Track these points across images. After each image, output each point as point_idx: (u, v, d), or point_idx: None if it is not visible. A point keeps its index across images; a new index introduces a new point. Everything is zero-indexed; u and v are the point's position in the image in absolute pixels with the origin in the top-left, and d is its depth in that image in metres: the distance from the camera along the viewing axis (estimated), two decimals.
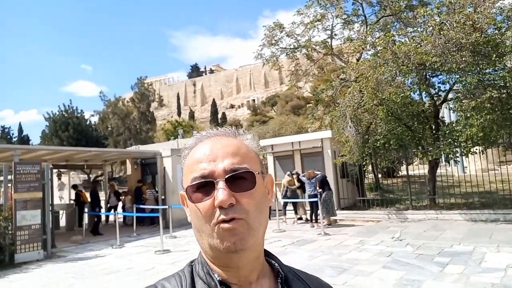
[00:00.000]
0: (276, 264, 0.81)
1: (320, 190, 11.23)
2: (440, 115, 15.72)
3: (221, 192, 0.68)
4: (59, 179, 26.70)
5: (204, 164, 0.72)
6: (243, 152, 0.75)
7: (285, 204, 12.60)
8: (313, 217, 11.60)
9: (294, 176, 12.37)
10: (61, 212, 14.41)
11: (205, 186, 0.71)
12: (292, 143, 14.69)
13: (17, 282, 7.06)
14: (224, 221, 0.68)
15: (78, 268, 7.93)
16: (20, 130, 68.76)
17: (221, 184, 0.69)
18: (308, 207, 12.17)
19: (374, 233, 9.76)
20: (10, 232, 8.58)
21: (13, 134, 63.88)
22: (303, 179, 11.80)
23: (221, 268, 0.74)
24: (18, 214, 8.62)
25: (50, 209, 9.82)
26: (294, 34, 15.40)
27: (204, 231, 0.71)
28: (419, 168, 15.18)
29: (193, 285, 0.73)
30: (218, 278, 0.72)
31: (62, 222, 14.47)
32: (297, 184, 12.35)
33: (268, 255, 0.82)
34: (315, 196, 11.10)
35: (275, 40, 15.43)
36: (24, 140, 63.81)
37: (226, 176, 0.70)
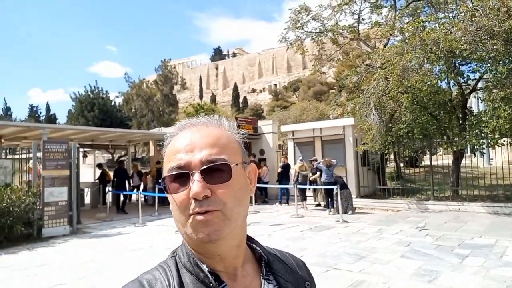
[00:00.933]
0: (258, 248, 0.83)
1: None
2: (468, 105, 15.27)
3: (195, 184, 0.68)
4: (85, 157, 27.53)
5: (182, 155, 0.72)
6: (222, 142, 0.74)
7: (303, 190, 12.65)
8: (329, 204, 11.67)
9: (315, 163, 12.34)
10: (86, 189, 14.89)
11: (181, 177, 0.71)
12: (313, 129, 14.59)
13: (44, 255, 7.40)
14: (198, 213, 0.69)
15: (102, 244, 8.24)
16: (48, 109, 70.93)
17: (196, 176, 0.69)
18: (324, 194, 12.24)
19: (393, 222, 9.69)
20: (38, 207, 8.96)
21: (41, 113, 66.06)
22: (321, 166, 11.79)
23: (205, 257, 0.74)
24: (46, 191, 8.97)
25: (76, 186, 10.16)
26: (321, 18, 15.10)
27: (180, 221, 0.71)
28: (442, 158, 14.87)
29: (180, 278, 0.72)
30: (207, 269, 0.72)
31: (87, 199, 14.99)
32: (308, 170, 12.45)
33: (249, 239, 0.83)
34: (331, 183, 11.15)
35: (301, 24, 15.17)
36: (51, 119, 65.85)
37: (202, 168, 0.70)
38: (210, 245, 0.71)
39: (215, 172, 0.71)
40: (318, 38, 15.39)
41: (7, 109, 62.37)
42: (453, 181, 12.54)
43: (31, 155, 10.31)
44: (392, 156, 18.07)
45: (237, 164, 0.74)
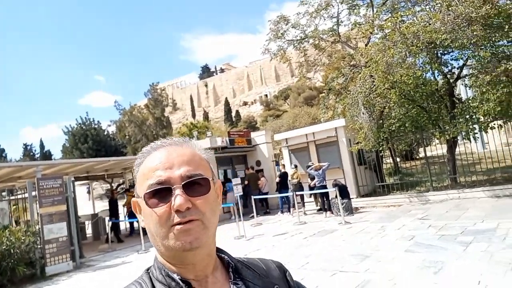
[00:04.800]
0: (226, 257, 0.88)
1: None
2: (457, 92, 15.41)
3: (178, 198, 0.74)
4: (88, 193, 27.39)
5: (160, 172, 0.77)
6: (196, 160, 0.82)
7: (301, 196, 12.78)
8: (325, 207, 11.77)
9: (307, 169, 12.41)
10: (86, 222, 14.78)
11: (161, 192, 0.76)
12: (306, 134, 14.64)
13: None
14: (180, 223, 0.74)
15: (107, 276, 8.15)
16: (42, 146, 70.47)
17: (178, 191, 0.75)
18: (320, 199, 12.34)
19: (395, 218, 9.67)
20: (39, 246, 8.87)
21: (35, 150, 65.66)
22: (311, 172, 11.86)
23: (177, 267, 0.79)
24: (45, 228, 8.90)
25: (75, 220, 10.08)
26: (300, 25, 15.28)
27: (159, 234, 0.76)
28: (437, 149, 14.91)
29: None
30: (178, 277, 0.77)
31: (89, 232, 14.87)
32: (300, 177, 12.59)
33: (218, 250, 0.88)
34: (322, 187, 11.25)
35: (281, 33, 15.35)
36: (46, 155, 65.43)
37: (183, 183, 0.76)
38: (189, 253, 0.75)
39: (195, 186, 0.77)
40: (300, 45, 15.55)
41: (1, 151, 61.92)
42: (450, 170, 12.57)
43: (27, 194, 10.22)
44: (388, 152, 18.13)
45: (212, 179, 0.81)
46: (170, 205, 0.74)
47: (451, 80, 12.57)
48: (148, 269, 0.84)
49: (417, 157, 21.43)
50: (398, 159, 20.02)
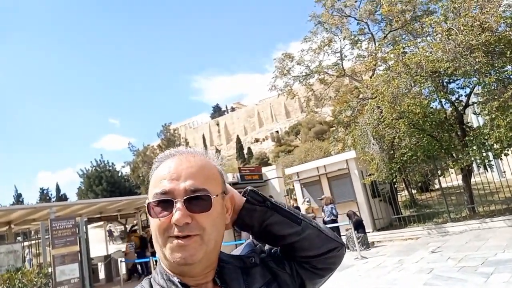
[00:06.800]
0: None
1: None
2: (468, 120, 15.28)
3: (178, 213, 0.74)
4: (111, 236, 27.47)
5: (166, 182, 0.78)
6: (206, 173, 0.81)
7: None
8: None
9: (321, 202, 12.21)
10: (99, 264, 14.63)
11: (164, 202, 0.77)
12: (317, 168, 14.55)
13: None
14: (178, 237, 0.74)
15: None
16: (58, 189, 71.25)
17: (179, 205, 0.75)
18: None
19: (413, 251, 9.35)
20: None
21: (51, 194, 66.44)
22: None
23: (178, 275, 0.80)
24: (57, 270, 8.85)
25: (88, 261, 10.02)
26: (304, 61, 15.66)
27: (159, 242, 0.77)
28: (455, 179, 14.59)
29: None
30: (178, 280, 0.78)
31: (102, 274, 14.67)
32: (316, 213, 12.32)
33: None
34: (332, 221, 11.03)
35: (287, 70, 15.73)
36: (62, 198, 65.91)
37: (185, 198, 0.76)
38: (185, 267, 0.76)
39: (198, 200, 0.76)
40: (305, 81, 15.86)
41: (18, 196, 62.81)
42: (467, 199, 12.24)
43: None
44: (402, 184, 17.80)
45: (217, 195, 0.80)
46: (171, 217, 0.75)
47: (459, 108, 12.52)
48: (150, 275, 0.86)
49: (433, 188, 20.95)
50: (413, 191, 19.61)
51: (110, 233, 26.75)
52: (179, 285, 0.78)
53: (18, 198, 62.31)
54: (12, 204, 55.50)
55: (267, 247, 0.98)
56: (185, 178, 0.78)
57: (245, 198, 0.90)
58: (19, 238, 16.11)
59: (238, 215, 0.90)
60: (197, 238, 0.75)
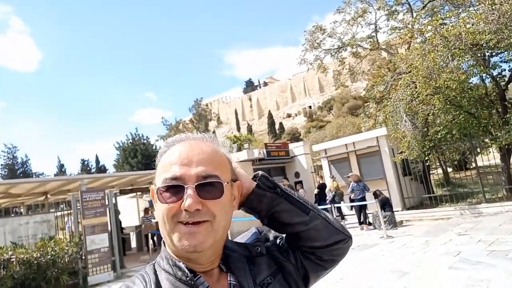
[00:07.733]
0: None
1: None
2: (510, 96, 14.29)
3: (189, 198, 0.72)
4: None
5: (177, 168, 0.76)
6: (216, 160, 0.79)
7: (339, 208, 12.35)
8: (360, 220, 11.37)
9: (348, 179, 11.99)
10: (131, 233, 15.26)
11: (174, 187, 0.75)
12: (346, 145, 14.21)
13: None
14: (187, 223, 0.73)
15: None
16: (97, 161, 74.62)
17: (190, 191, 0.73)
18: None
19: (442, 232, 9.03)
20: (81, 256, 9.25)
21: (92, 165, 69.72)
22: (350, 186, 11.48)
23: (184, 261, 0.78)
24: (87, 239, 9.27)
25: (117, 232, 10.42)
26: (336, 34, 15.05)
27: (167, 228, 0.76)
28: (494, 158, 13.82)
29: (157, 279, 0.77)
30: (184, 265, 0.77)
31: (133, 243, 15.33)
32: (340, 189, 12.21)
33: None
34: (361, 199, 10.87)
35: (317, 43, 15.19)
36: (101, 169, 69.07)
37: (196, 184, 0.74)
38: (192, 254, 0.75)
39: (208, 187, 0.75)
40: (337, 54, 15.27)
41: (61, 166, 66.49)
42: (504, 180, 11.60)
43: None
44: (437, 162, 17.12)
45: (227, 183, 0.79)
46: (181, 203, 0.73)
47: (501, 83, 11.68)
48: (153, 262, 0.84)
49: (471, 166, 20.02)
50: (449, 169, 18.84)
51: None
52: (186, 270, 0.76)
53: (61, 168, 65.93)
54: (56, 174, 58.79)
55: (271, 236, 0.97)
56: (197, 164, 0.76)
57: (255, 183, 0.89)
58: (52, 209, 16.99)
59: (247, 198, 0.89)
60: (207, 225, 0.74)
